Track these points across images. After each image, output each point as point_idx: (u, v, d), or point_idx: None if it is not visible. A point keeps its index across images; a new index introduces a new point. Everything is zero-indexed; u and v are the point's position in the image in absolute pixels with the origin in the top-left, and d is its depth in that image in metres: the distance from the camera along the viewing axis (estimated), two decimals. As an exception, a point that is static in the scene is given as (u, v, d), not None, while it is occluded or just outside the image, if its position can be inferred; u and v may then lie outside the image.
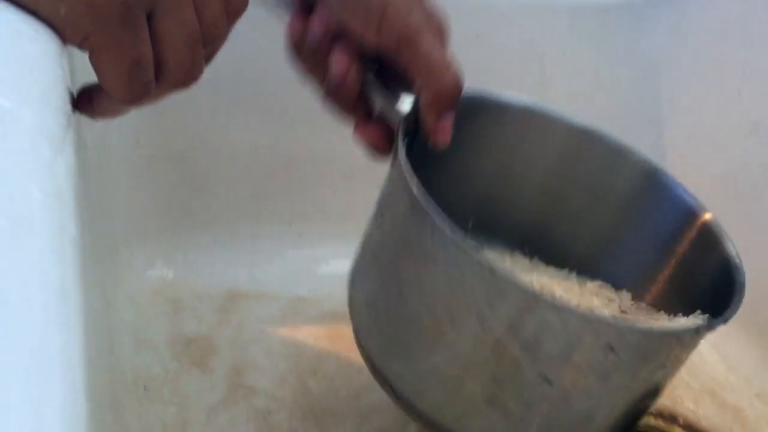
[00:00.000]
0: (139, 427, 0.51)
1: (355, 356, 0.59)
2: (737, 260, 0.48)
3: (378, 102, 0.46)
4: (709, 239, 0.50)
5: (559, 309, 0.40)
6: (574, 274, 0.54)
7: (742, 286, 0.46)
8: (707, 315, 0.47)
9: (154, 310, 0.61)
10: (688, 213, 0.51)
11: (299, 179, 0.67)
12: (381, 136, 0.46)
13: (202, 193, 0.65)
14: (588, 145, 0.52)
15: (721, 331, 0.66)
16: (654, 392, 0.48)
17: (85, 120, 0.45)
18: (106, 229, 0.60)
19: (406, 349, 0.45)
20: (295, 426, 0.54)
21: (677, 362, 0.46)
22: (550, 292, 0.48)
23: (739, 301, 0.45)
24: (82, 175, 0.56)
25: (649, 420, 0.59)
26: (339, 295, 0.67)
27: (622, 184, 0.53)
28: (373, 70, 0.46)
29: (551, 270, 0.53)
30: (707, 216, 0.51)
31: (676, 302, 0.51)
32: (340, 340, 0.62)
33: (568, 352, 0.41)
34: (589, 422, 0.44)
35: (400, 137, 0.44)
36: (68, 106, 0.34)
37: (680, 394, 0.61)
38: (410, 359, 0.45)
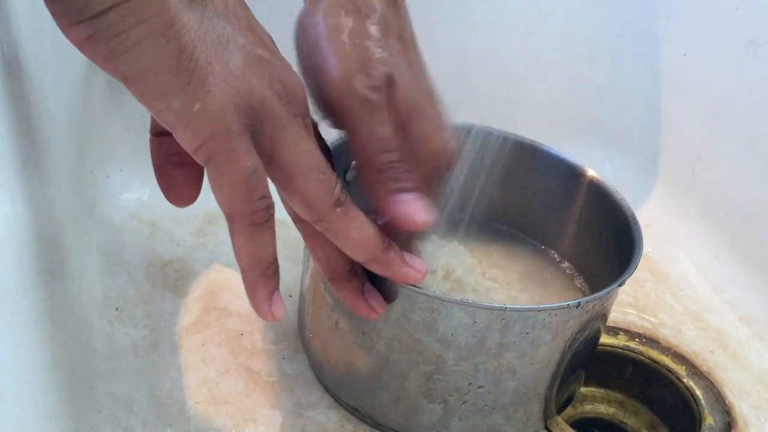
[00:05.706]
0: (108, 348, 0.51)
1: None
2: (629, 209, 0.51)
3: None
4: (600, 194, 0.53)
5: (464, 305, 0.43)
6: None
7: (640, 237, 0.49)
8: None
9: (129, 233, 0.60)
10: (575, 173, 0.55)
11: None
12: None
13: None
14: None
15: (709, 254, 0.65)
16: (591, 345, 0.49)
17: (46, 41, 0.44)
18: (78, 151, 0.59)
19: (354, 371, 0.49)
20: (269, 348, 0.54)
21: (596, 321, 0.47)
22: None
23: (638, 258, 0.47)
24: (53, 95, 0.54)
25: (628, 343, 0.58)
26: (319, 217, 0.66)
27: (517, 166, 0.56)
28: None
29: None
30: (591, 173, 0.54)
31: (591, 256, 0.55)
32: (318, 263, 0.61)
33: (480, 341, 0.44)
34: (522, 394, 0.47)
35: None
36: None
37: (662, 317, 0.60)
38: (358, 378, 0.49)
